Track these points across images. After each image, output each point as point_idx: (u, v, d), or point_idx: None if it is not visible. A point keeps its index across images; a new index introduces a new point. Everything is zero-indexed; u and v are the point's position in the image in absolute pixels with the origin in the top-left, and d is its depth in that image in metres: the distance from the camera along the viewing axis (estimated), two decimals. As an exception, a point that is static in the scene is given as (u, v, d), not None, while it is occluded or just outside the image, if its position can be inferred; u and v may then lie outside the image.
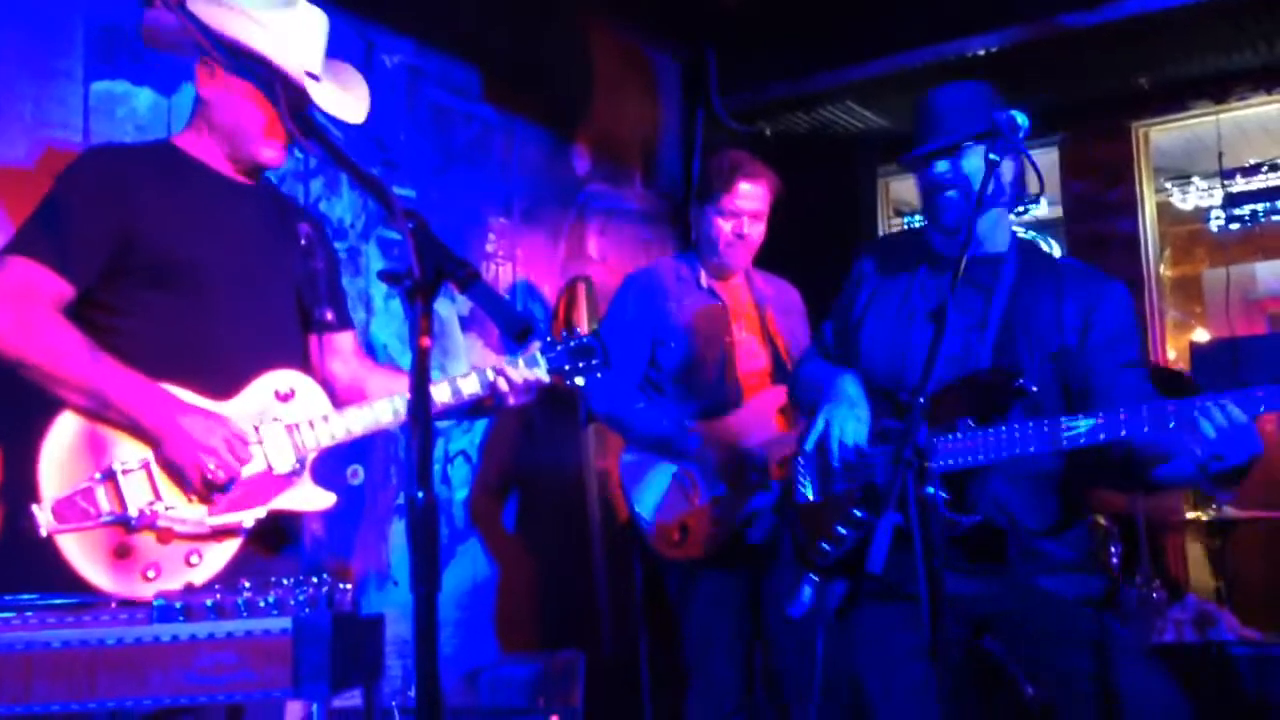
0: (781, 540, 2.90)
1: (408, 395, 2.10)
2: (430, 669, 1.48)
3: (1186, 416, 2.18)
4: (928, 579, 1.88)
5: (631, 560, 4.10)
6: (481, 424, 4.25)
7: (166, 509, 2.23)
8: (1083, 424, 2.28)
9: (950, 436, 2.42)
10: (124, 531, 2.20)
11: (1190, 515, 5.05)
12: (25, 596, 1.74)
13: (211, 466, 2.24)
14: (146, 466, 2.24)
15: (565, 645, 4.08)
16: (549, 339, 2.65)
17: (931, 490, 2.01)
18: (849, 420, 2.58)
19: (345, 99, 2.55)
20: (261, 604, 1.63)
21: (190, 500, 2.26)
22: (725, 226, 3.61)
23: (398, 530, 3.84)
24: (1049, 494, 2.58)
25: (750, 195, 3.61)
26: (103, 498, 2.19)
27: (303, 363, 2.56)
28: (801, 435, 2.71)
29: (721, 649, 3.48)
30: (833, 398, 2.63)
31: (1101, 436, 2.26)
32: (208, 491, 2.27)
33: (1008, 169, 2.59)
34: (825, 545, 2.63)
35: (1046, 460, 2.49)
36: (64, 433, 2.21)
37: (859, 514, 2.57)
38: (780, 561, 2.92)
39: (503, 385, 2.57)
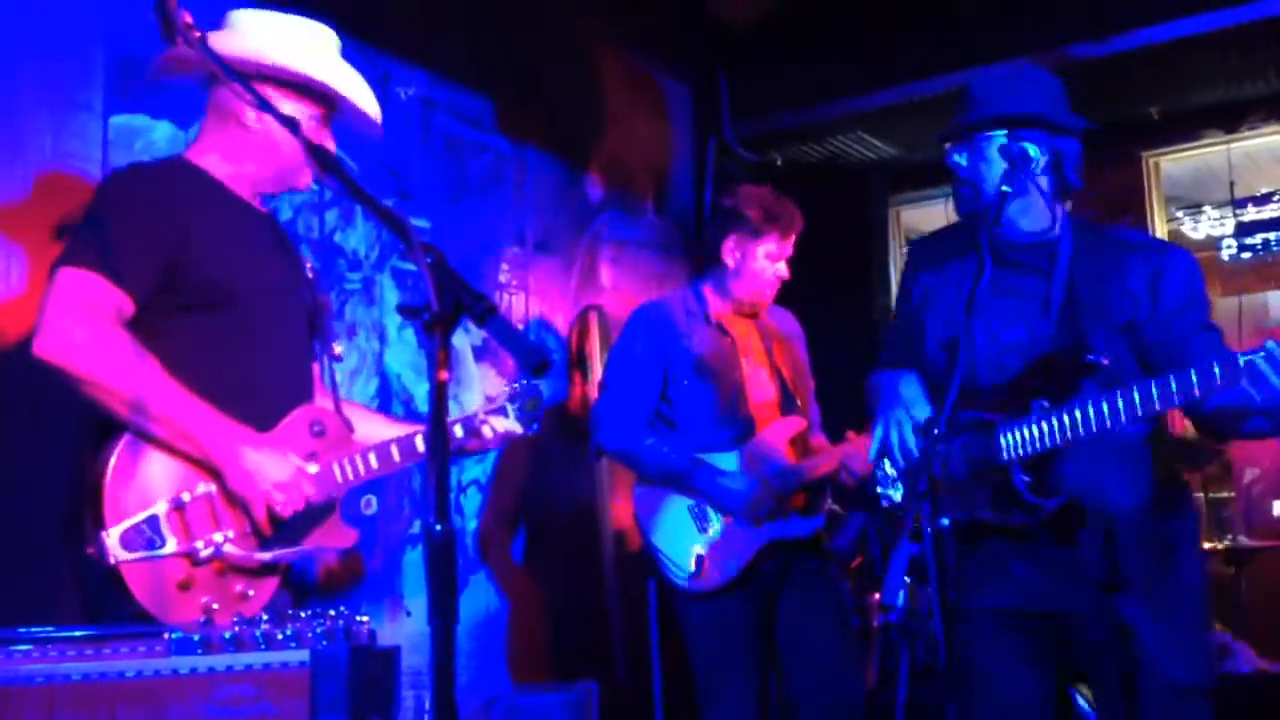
0: (869, 543, 2.87)
1: (426, 431, 2.12)
2: (447, 702, 1.48)
3: (1255, 370, 2.09)
4: (942, 612, 1.87)
5: (645, 590, 4.10)
6: (493, 453, 4.26)
7: (228, 540, 2.21)
8: (1155, 388, 2.21)
9: (1023, 421, 2.38)
10: (189, 564, 2.17)
11: (1206, 546, 5.02)
12: (45, 629, 1.74)
13: (280, 500, 2.22)
14: (210, 498, 2.21)
15: (578, 675, 4.08)
16: (510, 390, 2.69)
17: (947, 521, 2.00)
18: (905, 422, 2.53)
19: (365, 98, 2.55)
20: (279, 636, 1.64)
21: (247, 534, 2.24)
22: (770, 267, 3.63)
23: (411, 560, 3.84)
24: (1138, 467, 2.50)
25: (795, 239, 3.66)
26: (167, 528, 2.15)
27: (312, 395, 2.56)
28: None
29: (736, 678, 3.47)
30: (887, 402, 2.59)
31: (1176, 400, 2.18)
32: (272, 525, 2.25)
33: (1040, 159, 2.50)
34: (917, 545, 2.59)
35: (1129, 430, 2.41)
36: (128, 458, 2.15)
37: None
38: (872, 565, 2.88)
39: (487, 433, 2.61)
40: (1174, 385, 2.18)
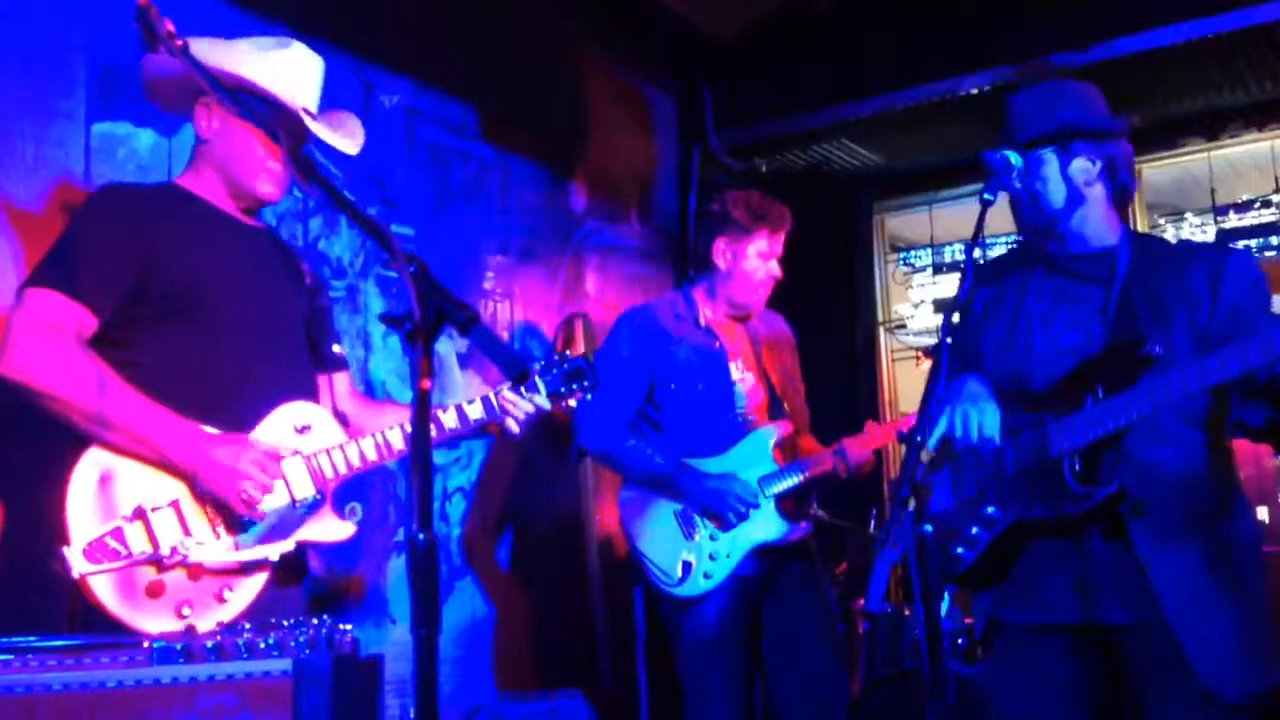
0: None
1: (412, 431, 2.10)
2: (430, 711, 1.48)
3: None
4: (926, 618, 1.88)
5: (632, 596, 4.09)
6: (479, 460, 4.26)
7: (197, 544, 2.24)
8: (1210, 361, 2.19)
9: (1075, 413, 2.38)
10: (156, 570, 2.19)
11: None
12: (25, 639, 1.74)
13: (249, 489, 2.25)
14: (175, 504, 2.24)
15: (564, 683, 4.07)
16: (543, 363, 2.69)
17: (929, 528, 2.01)
18: (975, 413, 2.47)
19: (340, 133, 2.61)
20: (262, 645, 1.64)
21: (217, 536, 2.27)
22: (762, 266, 3.64)
23: (395, 568, 3.83)
24: (1195, 466, 2.43)
25: (785, 237, 3.67)
26: (133, 537, 2.18)
27: (313, 397, 2.59)
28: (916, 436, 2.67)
29: (721, 684, 3.47)
30: (957, 398, 2.53)
31: (1232, 370, 2.17)
32: (251, 512, 2.28)
33: (1082, 171, 2.53)
34: (960, 550, 2.55)
35: (1183, 422, 2.40)
36: (89, 472, 2.19)
37: (992, 512, 2.51)
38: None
39: (513, 412, 2.62)
40: (1226, 358, 2.18)
